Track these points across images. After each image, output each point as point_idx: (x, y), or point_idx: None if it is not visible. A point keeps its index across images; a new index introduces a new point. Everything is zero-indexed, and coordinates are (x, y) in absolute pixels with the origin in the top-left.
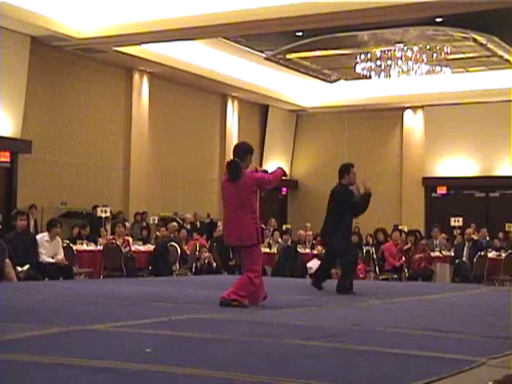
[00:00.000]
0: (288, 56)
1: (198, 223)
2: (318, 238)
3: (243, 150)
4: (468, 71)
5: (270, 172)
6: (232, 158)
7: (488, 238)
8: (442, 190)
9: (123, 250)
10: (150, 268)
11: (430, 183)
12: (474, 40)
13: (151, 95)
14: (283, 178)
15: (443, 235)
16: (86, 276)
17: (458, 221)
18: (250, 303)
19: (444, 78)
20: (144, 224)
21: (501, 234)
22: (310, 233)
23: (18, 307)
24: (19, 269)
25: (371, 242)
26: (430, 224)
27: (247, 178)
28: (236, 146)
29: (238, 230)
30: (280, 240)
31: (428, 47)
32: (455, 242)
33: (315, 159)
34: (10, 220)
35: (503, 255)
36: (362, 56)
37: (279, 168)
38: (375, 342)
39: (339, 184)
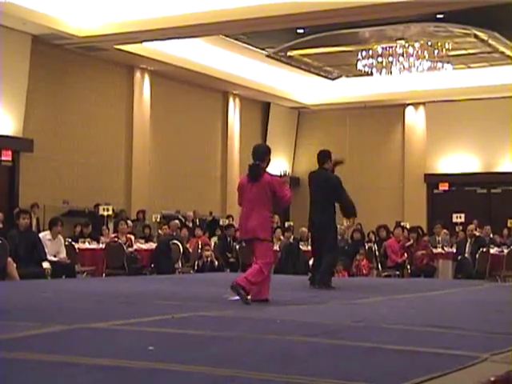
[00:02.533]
0: (289, 53)
1: (198, 221)
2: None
3: (262, 152)
4: (469, 67)
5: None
6: (252, 160)
7: (492, 236)
8: (443, 187)
9: (126, 249)
10: (152, 266)
11: (432, 180)
12: (476, 36)
13: (153, 93)
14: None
15: (444, 231)
16: (89, 274)
17: (460, 217)
18: (253, 298)
19: (445, 75)
20: (146, 222)
21: (505, 231)
22: None
23: (20, 306)
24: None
25: (373, 239)
26: (432, 220)
27: (267, 179)
28: (255, 148)
29: (254, 224)
30: (282, 237)
31: (429, 44)
32: (457, 239)
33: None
34: (13, 219)
35: (505, 251)
36: (364, 53)
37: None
38: (378, 339)
39: (323, 169)
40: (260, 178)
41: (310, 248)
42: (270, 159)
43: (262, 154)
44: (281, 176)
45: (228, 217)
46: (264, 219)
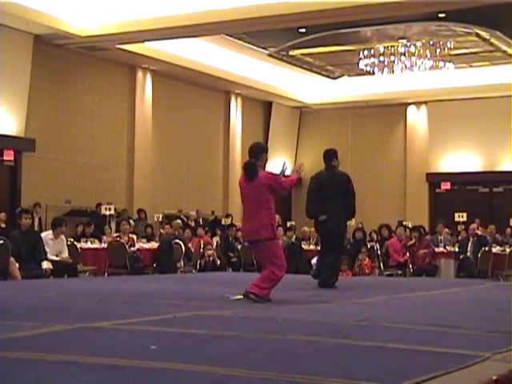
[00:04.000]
0: (291, 52)
1: (201, 220)
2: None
3: (257, 150)
4: (471, 66)
5: (287, 176)
6: (248, 158)
7: (497, 236)
8: (446, 186)
9: (128, 249)
10: (154, 265)
11: (434, 179)
12: (477, 35)
13: (154, 93)
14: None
15: (446, 230)
16: (91, 274)
17: (462, 216)
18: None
19: (447, 74)
20: (148, 221)
21: (508, 230)
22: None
23: (22, 305)
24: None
25: (375, 238)
26: (434, 220)
27: (263, 177)
28: (251, 147)
29: (256, 225)
30: (284, 237)
31: (431, 43)
32: (459, 238)
33: (319, 156)
34: (15, 219)
35: (507, 250)
36: (366, 52)
37: (295, 175)
38: (380, 338)
39: (333, 167)
40: (255, 176)
41: (311, 247)
42: (266, 158)
43: (257, 152)
44: (296, 171)
45: (227, 216)
46: (265, 219)
